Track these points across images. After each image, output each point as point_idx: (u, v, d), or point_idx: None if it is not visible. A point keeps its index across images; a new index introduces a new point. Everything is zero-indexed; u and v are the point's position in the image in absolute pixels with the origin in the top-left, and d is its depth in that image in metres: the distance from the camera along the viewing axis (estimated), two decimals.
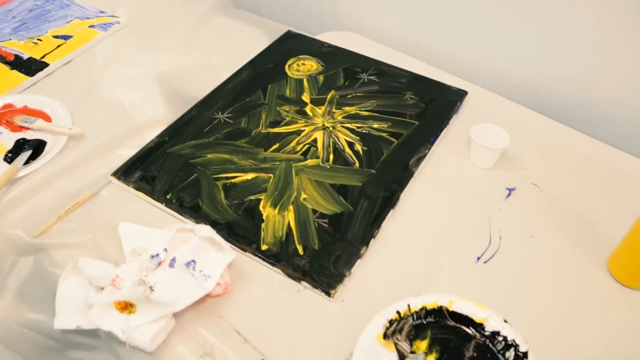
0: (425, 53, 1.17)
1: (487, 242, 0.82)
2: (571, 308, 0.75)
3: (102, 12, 1.32)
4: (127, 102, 1.05)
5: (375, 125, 0.98)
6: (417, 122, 0.99)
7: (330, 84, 1.07)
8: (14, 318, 0.82)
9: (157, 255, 0.72)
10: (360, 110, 1.01)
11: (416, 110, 1.01)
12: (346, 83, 1.07)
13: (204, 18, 1.28)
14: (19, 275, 0.83)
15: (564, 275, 0.78)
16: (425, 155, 0.93)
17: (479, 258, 0.80)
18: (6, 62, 1.16)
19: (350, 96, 1.04)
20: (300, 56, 1.14)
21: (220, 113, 1.01)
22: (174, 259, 0.71)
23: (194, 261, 0.72)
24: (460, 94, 1.05)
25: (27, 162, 0.93)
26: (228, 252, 0.74)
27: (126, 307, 0.69)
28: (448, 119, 0.99)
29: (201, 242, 0.74)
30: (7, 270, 0.83)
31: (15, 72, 1.14)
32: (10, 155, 0.95)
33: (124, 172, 0.90)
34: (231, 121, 0.99)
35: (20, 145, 0.96)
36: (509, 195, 0.88)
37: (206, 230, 0.75)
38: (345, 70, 1.10)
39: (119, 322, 0.68)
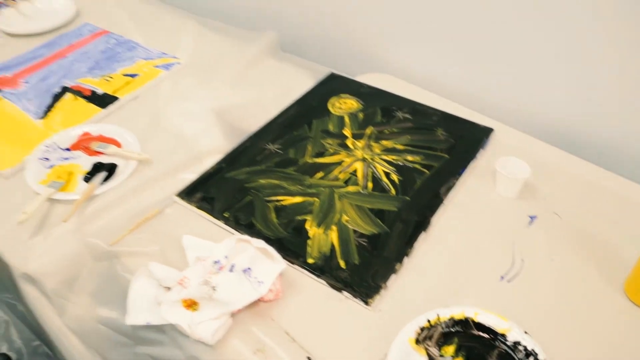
0: (455, 94, 1.25)
1: (510, 263, 0.89)
2: (588, 324, 0.81)
3: (164, 53, 1.45)
4: (188, 132, 1.16)
5: (410, 158, 1.08)
6: (447, 156, 1.08)
7: (368, 121, 1.17)
8: (89, 315, 0.92)
9: (219, 261, 0.83)
10: (396, 145, 1.11)
11: (446, 145, 1.11)
12: (383, 120, 1.18)
13: (254, 60, 1.39)
14: (95, 278, 0.94)
15: (582, 295, 0.85)
16: (454, 185, 1.02)
17: (502, 277, 0.87)
18: (84, 97, 1.30)
19: (387, 132, 1.14)
20: (342, 95, 1.25)
21: (271, 144, 1.12)
22: (233, 265, 0.82)
23: (250, 268, 0.82)
24: (487, 131, 1.14)
25: (102, 182, 1.05)
26: (279, 262, 0.84)
27: (191, 304, 0.79)
28: (475, 153, 1.08)
29: (256, 252, 0.84)
30: (85, 273, 0.93)
31: (91, 105, 1.28)
32: (88, 176, 1.07)
33: (187, 193, 1.01)
34: (281, 152, 1.10)
35: (97, 168, 1.08)
36: (531, 222, 0.96)
37: (260, 242, 0.85)
38: (382, 109, 1.21)
39: (185, 317, 0.78)
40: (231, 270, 0.82)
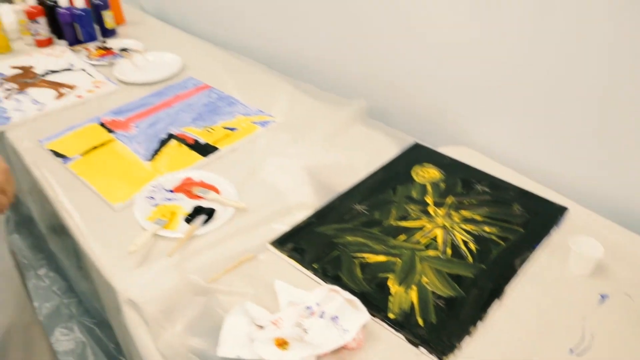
0: (532, 171, 1.32)
1: (580, 338, 0.93)
2: None
3: (261, 111, 1.58)
4: (282, 186, 1.27)
5: (487, 229, 1.15)
6: (522, 230, 1.14)
7: (449, 190, 1.25)
8: (182, 344, 1.00)
9: (311, 307, 0.92)
10: (475, 215, 1.18)
11: (522, 220, 1.17)
12: (463, 191, 1.25)
13: (344, 124, 1.50)
14: (191, 310, 1.01)
15: None
16: (528, 258, 1.07)
17: (572, 350, 0.91)
18: (187, 144, 1.44)
19: (466, 202, 1.22)
20: (425, 164, 1.34)
21: (358, 205, 1.21)
22: (323, 312, 0.90)
23: (337, 317, 0.90)
24: (562, 210, 1.19)
25: (202, 224, 1.16)
26: (364, 314, 0.92)
27: (282, 344, 0.88)
28: (550, 230, 1.14)
29: (344, 303, 0.92)
30: (183, 305, 1.02)
31: (193, 152, 1.41)
32: (189, 217, 1.18)
33: (280, 243, 1.11)
34: (367, 212, 1.19)
35: (197, 211, 1.20)
36: (602, 300, 1.00)
37: (348, 294, 0.94)
38: (463, 180, 1.28)
39: (276, 355, 0.86)
40: (321, 317, 0.90)
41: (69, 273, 1.77)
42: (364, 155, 1.39)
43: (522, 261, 1.07)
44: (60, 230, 1.38)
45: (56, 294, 2.09)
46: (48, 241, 1.71)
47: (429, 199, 1.23)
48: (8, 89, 1.78)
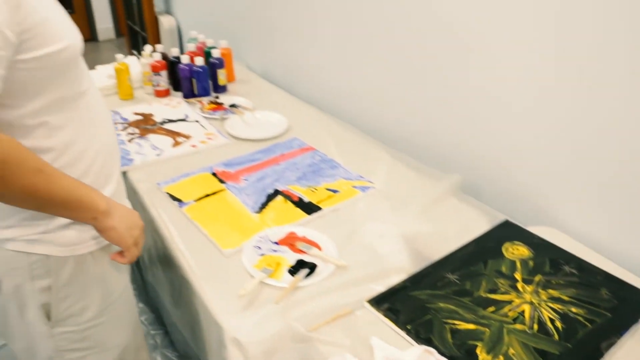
0: (620, 256, 1.36)
1: None
2: None
3: (361, 177, 1.70)
4: (379, 250, 1.37)
5: (573, 310, 1.20)
6: (609, 315, 1.18)
7: (538, 269, 1.31)
8: None
9: None
10: (562, 295, 1.23)
11: (609, 305, 1.21)
12: (551, 271, 1.31)
13: (439, 197, 1.59)
14: (291, 355, 1.11)
15: None
16: (614, 343, 1.11)
17: None
18: (292, 201, 1.56)
19: (554, 282, 1.27)
20: (515, 242, 1.41)
21: (450, 274, 1.29)
22: None
23: None
24: None
25: (305, 277, 1.27)
26: None
27: None
28: (638, 318, 1.18)
29: None
30: (284, 350, 1.11)
31: (298, 209, 1.53)
32: (292, 269, 1.29)
33: (376, 302, 1.20)
34: (458, 282, 1.27)
35: (300, 264, 1.31)
36: None
37: (441, 357, 1.01)
38: (551, 260, 1.34)
39: None
40: None
41: (161, 305, 1.90)
42: (456, 228, 1.47)
43: (609, 345, 1.11)
44: (165, 264, 1.51)
45: (143, 324, 2.24)
46: (146, 272, 1.85)
47: (517, 275, 1.29)
48: (131, 134, 1.98)
